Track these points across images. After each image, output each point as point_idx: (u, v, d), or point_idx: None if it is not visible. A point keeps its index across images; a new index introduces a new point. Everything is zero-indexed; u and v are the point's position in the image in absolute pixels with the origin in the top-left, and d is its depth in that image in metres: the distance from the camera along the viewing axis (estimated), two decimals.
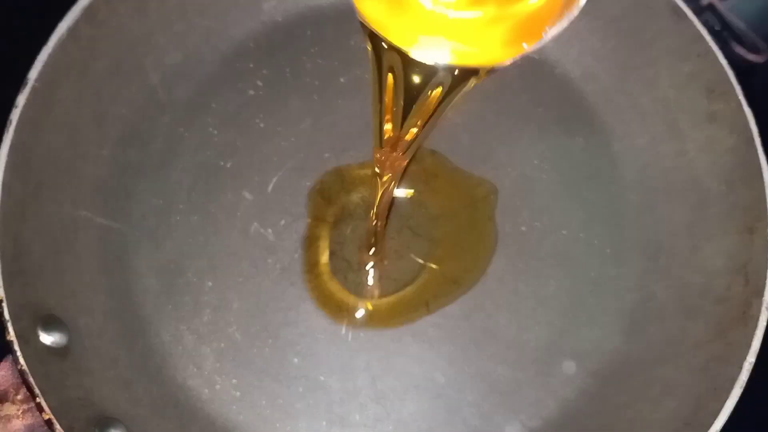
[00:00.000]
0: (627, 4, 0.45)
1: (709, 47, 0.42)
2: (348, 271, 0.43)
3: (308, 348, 0.41)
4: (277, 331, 0.41)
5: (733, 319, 0.38)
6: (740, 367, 0.36)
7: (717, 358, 0.37)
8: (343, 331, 0.41)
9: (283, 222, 0.43)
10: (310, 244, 0.43)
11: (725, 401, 0.35)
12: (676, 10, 0.43)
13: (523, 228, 0.44)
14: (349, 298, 0.42)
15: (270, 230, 0.43)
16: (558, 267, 0.44)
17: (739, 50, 0.55)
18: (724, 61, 0.42)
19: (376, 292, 0.42)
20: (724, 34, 0.56)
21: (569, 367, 0.42)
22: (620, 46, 0.46)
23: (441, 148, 0.46)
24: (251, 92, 0.46)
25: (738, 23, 0.56)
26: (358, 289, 0.42)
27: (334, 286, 0.42)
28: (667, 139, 0.44)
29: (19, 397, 0.35)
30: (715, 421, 0.35)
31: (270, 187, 0.44)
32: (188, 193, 0.43)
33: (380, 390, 0.40)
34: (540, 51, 0.48)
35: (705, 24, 0.43)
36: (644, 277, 0.43)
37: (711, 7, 0.57)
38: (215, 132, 0.45)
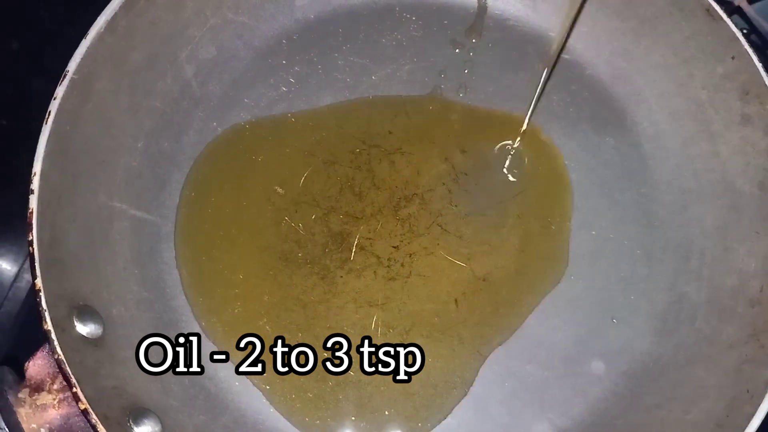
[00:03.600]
0: (660, 5, 0.45)
1: (744, 49, 0.42)
2: (378, 266, 0.43)
3: (338, 342, 0.41)
4: (307, 325, 0.41)
5: (767, 322, 0.38)
6: None
7: (750, 360, 0.37)
8: (373, 326, 0.41)
9: (313, 216, 0.43)
10: (340, 239, 0.43)
11: (759, 404, 0.35)
12: (710, 11, 0.43)
13: (553, 227, 0.44)
14: (379, 294, 0.42)
15: (301, 224, 0.43)
16: (587, 267, 0.44)
17: None
18: (759, 64, 0.41)
19: (406, 289, 0.42)
20: (752, 37, 0.56)
21: (598, 367, 0.41)
22: (653, 47, 0.46)
23: (471, 147, 0.46)
24: (283, 88, 0.46)
25: (766, 27, 0.56)
26: (388, 285, 0.42)
27: (364, 282, 0.42)
28: (700, 140, 0.44)
29: (55, 386, 0.35)
30: (749, 425, 0.34)
31: (301, 182, 0.44)
32: (220, 186, 0.44)
33: (409, 386, 0.40)
34: (571, 52, 0.48)
35: None
36: (676, 278, 0.43)
37: (739, 10, 0.57)
38: (247, 126, 0.45)
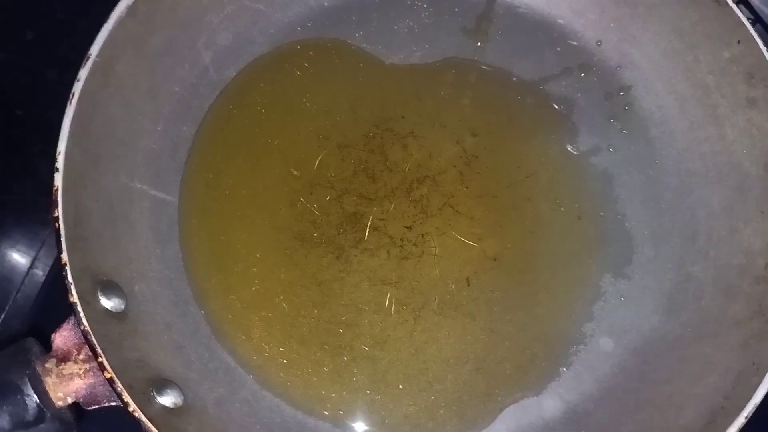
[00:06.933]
0: None
1: (750, 34, 0.43)
2: (391, 246, 0.44)
3: (353, 319, 0.42)
4: (323, 303, 0.42)
5: None
6: None
7: (756, 335, 0.38)
8: (387, 303, 0.42)
9: (328, 198, 0.45)
10: (354, 219, 0.44)
11: (765, 375, 0.36)
12: None
13: (562, 209, 0.45)
14: (392, 273, 0.43)
15: (316, 205, 0.44)
16: (596, 248, 0.45)
17: None
18: (764, 48, 0.42)
19: (419, 268, 0.43)
20: (756, 26, 0.57)
21: (607, 343, 0.43)
22: (660, 33, 0.47)
23: (482, 131, 0.47)
24: (298, 73, 0.47)
25: None
26: (401, 264, 0.43)
27: (377, 261, 0.43)
28: (706, 124, 0.45)
29: (80, 357, 0.36)
30: (755, 395, 0.35)
31: (316, 164, 0.45)
32: (237, 169, 0.45)
33: (423, 361, 0.41)
34: (580, 38, 0.49)
35: None
36: (683, 258, 0.44)
37: (744, 0, 0.58)
38: (263, 110, 0.46)
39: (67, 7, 0.58)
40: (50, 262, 0.52)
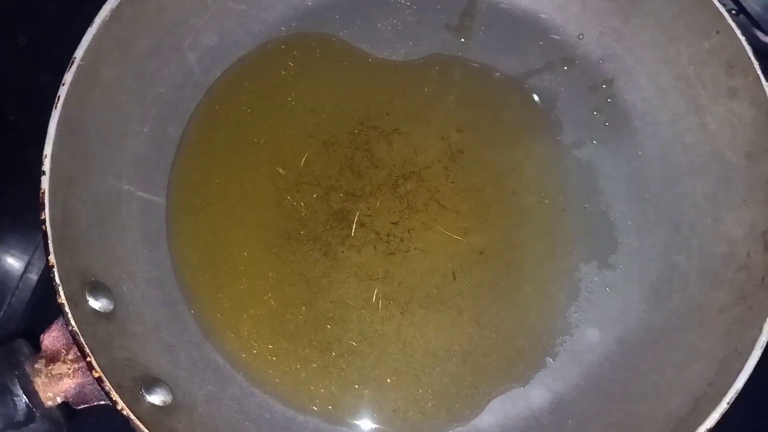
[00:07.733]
0: None
1: (728, 24, 0.43)
2: (377, 242, 0.44)
3: (340, 315, 0.42)
4: (311, 299, 0.43)
5: (755, 285, 0.39)
6: (761, 329, 0.37)
7: (739, 322, 0.38)
8: (374, 299, 0.43)
9: (315, 195, 0.45)
10: (340, 216, 0.44)
11: (746, 361, 0.36)
12: None
13: (547, 201, 0.46)
14: (379, 268, 0.44)
15: (302, 203, 0.45)
16: (580, 239, 0.45)
17: (757, 32, 0.56)
18: (742, 38, 0.43)
19: (405, 262, 0.44)
20: (740, 17, 0.57)
21: (593, 334, 0.43)
22: (641, 26, 0.47)
23: (467, 126, 0.47)
24: (283, 72, 0.48)
25: (754, 6, 0.57)
26: (388, 259, 0.44)
27: (364, 257, 0.44)
28: (688, 114, 0.45)
29: (69, 357, 0.36)
30: (736, 381, 0.36)
31: (302, 162, 0.46)
32: (224, 168, 0.45)
33: (411, 355, 0.42)
34: (562, 32, 0.49)
35: None
36: (667, 248, 0.44)
37: None
38: (249, 110, 0.47)
39: (60, 12, 0.58)
40: (43, 265, 0.52)
